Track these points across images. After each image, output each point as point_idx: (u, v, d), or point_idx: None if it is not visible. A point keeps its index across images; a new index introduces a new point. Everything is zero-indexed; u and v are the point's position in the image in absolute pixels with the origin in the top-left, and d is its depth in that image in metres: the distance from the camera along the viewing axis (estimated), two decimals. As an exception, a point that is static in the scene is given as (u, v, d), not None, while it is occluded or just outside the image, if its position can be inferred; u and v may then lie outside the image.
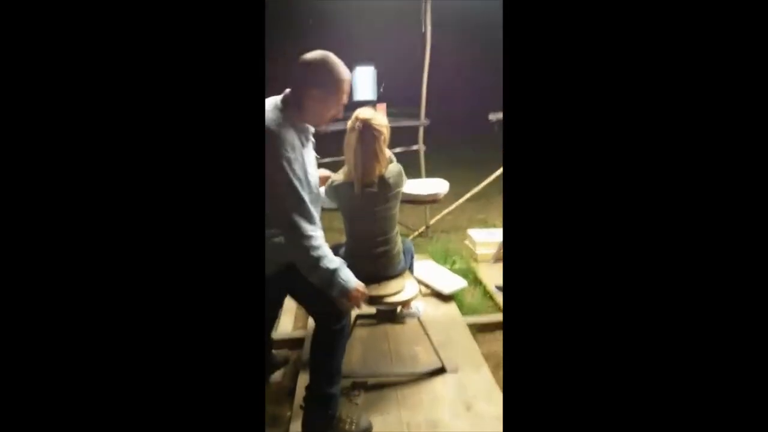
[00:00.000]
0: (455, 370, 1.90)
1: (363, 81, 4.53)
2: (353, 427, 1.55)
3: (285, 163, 1.34)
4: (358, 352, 2.06)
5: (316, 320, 1.58)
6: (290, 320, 2.43)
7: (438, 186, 2.28)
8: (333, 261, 1.42)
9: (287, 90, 1.46)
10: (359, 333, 2.18)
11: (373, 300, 1.74)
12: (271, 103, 1.45)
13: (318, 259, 1.38)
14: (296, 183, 1.36)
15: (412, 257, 2.07)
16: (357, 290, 1.47)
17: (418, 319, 1.97)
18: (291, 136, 1.38)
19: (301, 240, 1.36)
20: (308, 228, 1.37)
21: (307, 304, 1.63)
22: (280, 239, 1.43)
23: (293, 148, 1.37)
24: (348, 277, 1.45)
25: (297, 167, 1.36)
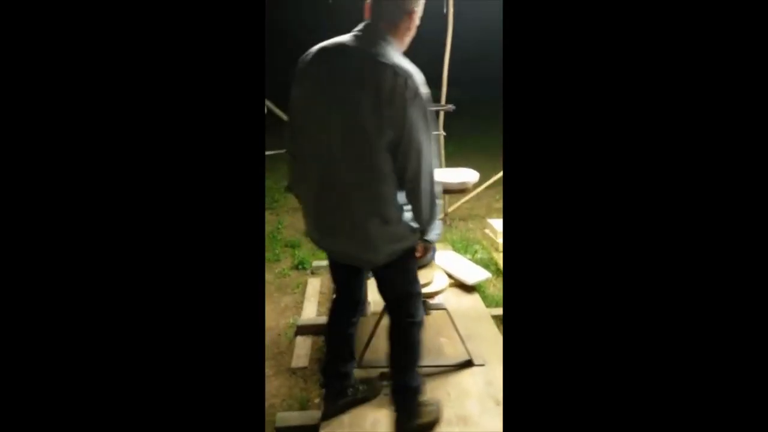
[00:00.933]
0: (482, 363, 1.90)
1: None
2: (435, 409, 1.57)
3: (426, 100, 1.16)
4: (384, 343, 2.04)
5: (395, 312, 1.51)
6: (314, 306, 2.44)
7: (467, 175, 2.24)
8: None
9: (363, 24, 1.22)
10: (385, 323, 2.17)
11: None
12: (363, 40, 1.18)
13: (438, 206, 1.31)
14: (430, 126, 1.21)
15: (434, 249, 2.05)
16: None
17: (446, 310, 1.96)
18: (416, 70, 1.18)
19: (432, 186, 1.25)
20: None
21: (394, 291, 1.48)
22: (401, 221, 1.27)
23: (423, 84, 1.18)
24: None
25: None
